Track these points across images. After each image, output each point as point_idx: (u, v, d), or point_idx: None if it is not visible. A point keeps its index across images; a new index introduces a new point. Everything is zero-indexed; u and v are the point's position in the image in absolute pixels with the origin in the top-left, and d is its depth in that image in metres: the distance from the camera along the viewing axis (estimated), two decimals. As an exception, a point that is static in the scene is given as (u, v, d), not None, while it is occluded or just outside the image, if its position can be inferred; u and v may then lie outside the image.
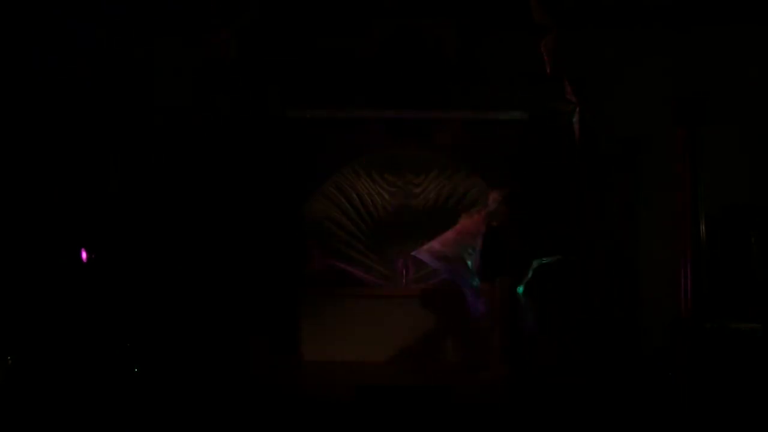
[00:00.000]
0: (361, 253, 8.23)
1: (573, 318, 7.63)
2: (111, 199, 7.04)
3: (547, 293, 7.83)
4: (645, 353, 6.99)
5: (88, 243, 6.87)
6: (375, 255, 8.22)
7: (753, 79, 7.27)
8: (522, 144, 8.14)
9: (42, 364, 6.08)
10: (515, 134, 8.18)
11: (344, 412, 5.62)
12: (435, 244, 7.52)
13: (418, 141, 8.37)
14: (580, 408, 5.78)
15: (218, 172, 7.78)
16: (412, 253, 7.71)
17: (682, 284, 6.42)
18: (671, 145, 6.74)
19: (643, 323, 7.21)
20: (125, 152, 7.16)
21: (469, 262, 7.48)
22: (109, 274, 6.94)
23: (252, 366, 7.26)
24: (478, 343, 7.82)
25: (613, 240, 7.62)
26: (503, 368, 7.48)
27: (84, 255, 6.83)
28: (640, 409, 5.74)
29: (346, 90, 8.05)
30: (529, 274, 7.29)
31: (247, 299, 7.76)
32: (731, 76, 7.22)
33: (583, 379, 6.67)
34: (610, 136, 7.51)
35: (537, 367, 7.35)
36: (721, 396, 5.80)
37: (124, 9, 6.97)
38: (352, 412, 5.62)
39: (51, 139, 6.88)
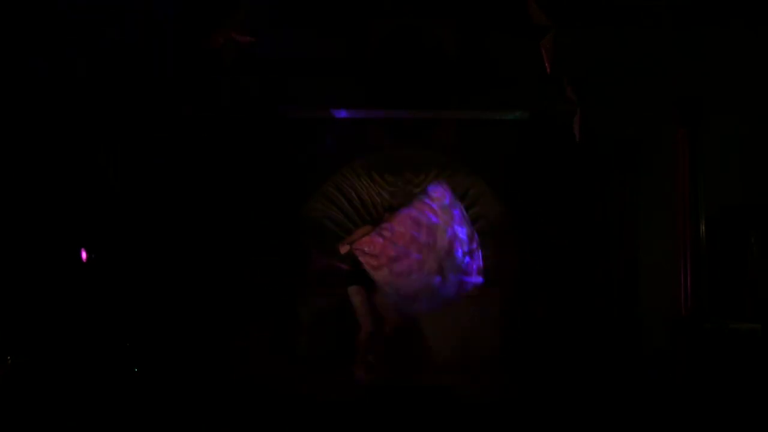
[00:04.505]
0: (361, 253, 8.21)
1: (573, 318, 7.63)
2: (111, 199, 7.04)
3: (548, 293, 7.85)
4: (645, 353, 6.99)
5: (88, 243, 6.87)
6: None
7: (753, 79, 7.27)
8: (522, 144, 8.15)
9: (42, 364, 6.08)
10: (515, 134, 8.19)
11: (344, 412, 5.63)
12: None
13: (418, 141, 8.37)
14: (580, 408, 5.78)
15: (218, 172, 7.79)
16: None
17: (682, 284, 6.43)
18: (671, 145, 6.74)
19: (643, 323, 7.21)
20: (125, 152, 7.16)
21: None
22: (109, 274, 6.94)
23: (251, 366, 7.27)
24: (477, 343, 7.82)
25: (613, 240, 7.62)
26: (503, 368, 7.49)
27: (84, 255, 6.83)
28: (640, 409, 5.74)
29: (346, 90, 8.05)
30: None
31: (246, 299, 7.77)
32: (731, 76, 7.21)
33: (583, 379, 6.67)
34: (610, 136, 7.51)
35: (537, 367, 7.36)
36: (721, 396, 5.80)
37: (123, 9, 6.97)
38: (352, 412, 5.62)
39: (51, 138, 6.88)
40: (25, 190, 6.75)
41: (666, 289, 6.69)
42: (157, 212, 7.38)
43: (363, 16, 7.91)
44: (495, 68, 7.89)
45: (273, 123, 8.11)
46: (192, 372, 6.72)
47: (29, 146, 6.80)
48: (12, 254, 6.60)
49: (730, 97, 7.12)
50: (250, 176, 7.96)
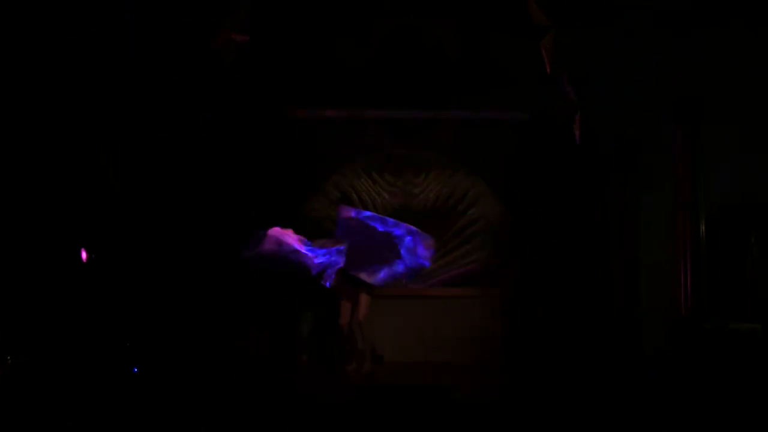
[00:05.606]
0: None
1: (573, 318, 7.63)
2: (111, 199, 7.04)
3: (548, 293, 7.85)
4: (645, 353, 6.99)
5: (88, 243, 6.87)
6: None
7: (753, 79, 7.26)
8: (522, 144, 8.16)
9: (42, 364, 6.08)
10: (515, 134, 8.19)
11: (344, 412, 5.62)
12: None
13: (418, 141, 8.38)
14: (580, 408, 5.77)
15: (218, 172, 7.79)
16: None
17: (682, 284, 6.43)
18: (671, 145, 6.74)
19: (643, 323, 7.20)
20: (126, 152, 7.16)
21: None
22: (109, 274, 6.94)
23: (252, 366, 7.26)
24: (478, 344, 7.82)
25: (613, 240, 7.61)
26: (503, 368, 7.49)
27: (84, 255, 6.83)
28: (641, 409, 5.74)
29: (346, 90, 8.06)
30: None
31: (246, 299, 7.76)
32: (731, 76, 7.21)
33: (583, 379, 6.67)
34: (610, 136, 7.51)
35: (537, 367, 7.36)
36: (721, 396, 5.79)
37: (125, 9, 6.98)
38: (352, 412, 5.62)
39: (51, 138, 6.88)
40: (25, 190, 6.75)
41: (666, 289, 6.68)
42: (157, 212, 7.38)
43: (363, 16, 7.92)
44: (495, 68, 7.90)
45: (273, 123, 8.12)
46: (192, 372, 6.71)
47: (29, 146, 6.79)
48: (12, 254, 6.60)
49: (730, 97, 7.12)
50: (250, 176, 7.95)
